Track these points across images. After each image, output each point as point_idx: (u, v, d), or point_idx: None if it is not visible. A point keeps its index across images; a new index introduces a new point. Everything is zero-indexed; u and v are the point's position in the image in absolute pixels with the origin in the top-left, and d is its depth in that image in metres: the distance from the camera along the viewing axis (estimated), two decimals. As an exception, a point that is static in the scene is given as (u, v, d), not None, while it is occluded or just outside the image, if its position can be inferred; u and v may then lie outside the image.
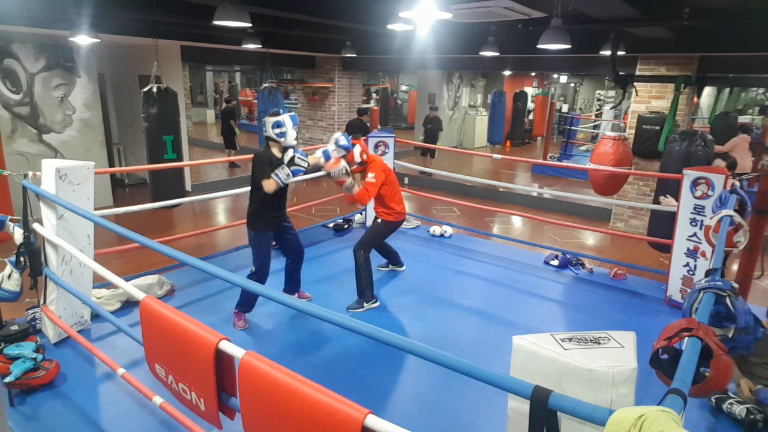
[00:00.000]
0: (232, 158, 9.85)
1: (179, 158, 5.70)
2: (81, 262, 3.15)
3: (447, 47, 7.25)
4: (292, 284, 4.20)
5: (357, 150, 4.03)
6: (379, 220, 4.26)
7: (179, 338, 1.82)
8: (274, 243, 4.07)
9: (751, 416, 2.77)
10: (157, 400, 2.44)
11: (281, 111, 3.71)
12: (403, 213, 4.30)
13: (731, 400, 2.90)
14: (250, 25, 4.38)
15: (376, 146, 6.06)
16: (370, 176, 4.03)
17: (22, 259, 3.18)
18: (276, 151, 3.71)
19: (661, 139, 5.27)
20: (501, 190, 8.68)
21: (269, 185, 3.58)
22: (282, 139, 3.65)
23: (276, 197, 3.73)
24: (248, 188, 3.90)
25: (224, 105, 11.57)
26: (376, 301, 4.25)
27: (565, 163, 11.12)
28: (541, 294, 4.68)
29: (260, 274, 3.84)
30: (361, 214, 6.48)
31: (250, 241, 3.86)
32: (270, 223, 3.83)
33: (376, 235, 4.34)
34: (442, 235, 6.17)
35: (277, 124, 3.62)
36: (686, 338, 1.38)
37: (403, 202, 4.35)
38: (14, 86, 6.50)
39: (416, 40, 7.05)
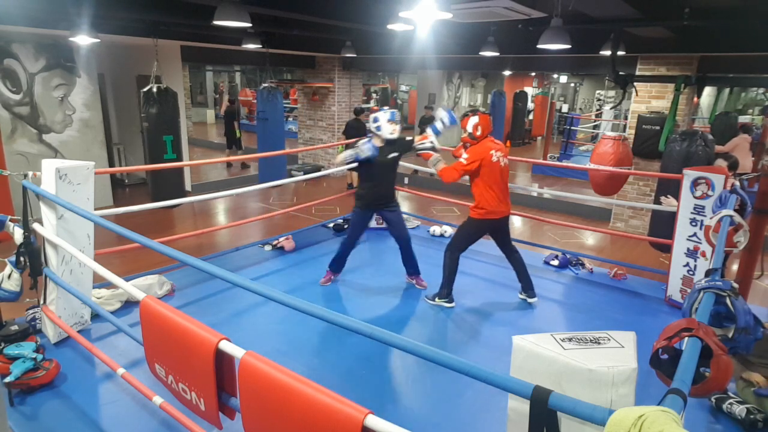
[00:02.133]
0: (241, 158, 9.90)
1: (179, 158, 5.71)
2: (81, 262, 3.15)
3: (447, 47, 7.25)
4: (409, 267, 4.62)
5: (472, 121, 3.96)
6: (467, 218, 4.16)
7: (179, 338, 1.82)
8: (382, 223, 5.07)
9: (751, 416, 2.77)
10: (157, 400, 2.44)
11: (381, 108, 4.46)
12: (494, 211, 3.99)
13: (731, 400, 2.90)
14: (250, 25, 4.39)
15: (376, 146, 6.05)
16: (463, 156, 3.96)
17: (22, 259, 3.18)
18: (377, 142, 4.26)
19: (662, 139, 5.28)
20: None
21: (336, 159, 4.30)
22: (379, 132, 4.24)
23: (374, 183, 4.34)
24: (247, 188, 4.93)
25: (227, 105, 11.48)
26: (449, 302, 4.22)
27: (565, 163, 11.12)
28: (541, 294, 4.67)
29: (348, 242, 4.51)
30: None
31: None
32: (364, 202, 4.38)
33: (459, 233, 4.25)
34: (442, 235, 6.17)
35: (374, 119, 4.28)
36: (686, 338, 1.38)
37: (498, 200, 3.98)
38: (14, 86, 6.50)
39: (416, 40, 7.05)
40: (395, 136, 4.26)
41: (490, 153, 3.92)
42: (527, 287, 4.38)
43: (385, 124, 4.22)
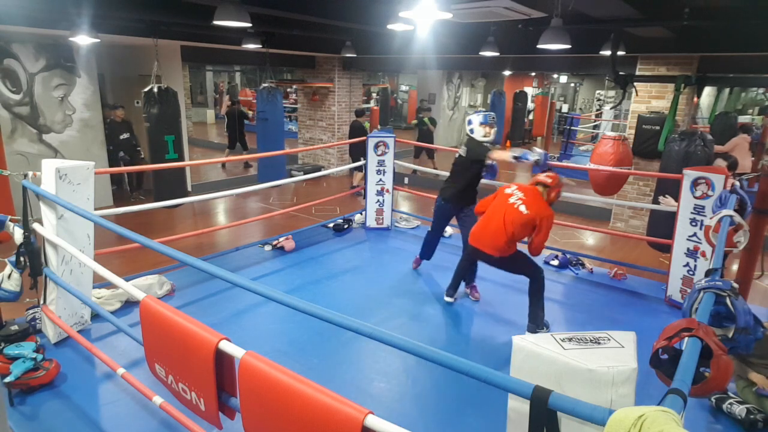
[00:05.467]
0: (243, 157, 9.97)
1: (180, 158, 5.70)
2: (81, 262, 3.15)
3: (447, 47, 7.25)
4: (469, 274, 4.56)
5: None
6: None
7: (179, 338, 1.82)
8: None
9: (751, 416, 2.78)
10: (157, 400, 2.44)
11: (476, 111, 4.51)
12: (473, 237, 3.83)
13: (731, 400, 2.90)
14: (250, 25, 4.38)
15: (376, 146, 6.06)
16: None
17: (22, 259, 3.18)
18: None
19: (661, 139, 5.28)
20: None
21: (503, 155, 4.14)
22: (473, 135, 4.28)
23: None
24: (247, 188, 5.08)
25: (228, 106, 11.43)
26: (448, 296, 4.35)
27: (565, 163, 11.11)
28: (541, 294, 4.68)
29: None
30: (361, 214, 6.47)
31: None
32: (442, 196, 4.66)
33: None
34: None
35: (468, 122, 4.31)
36: (686, 338, 1.38)
37: (482, 228, 3.80)
38: (14, 86, 6.50)
39: (416, 40, 7.04)
40: (489, 139, 4.23)
41: (509, 191, 3.79)
42: (533, 318, 3.83)
43: (477, 128, 4.23)
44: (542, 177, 3.75)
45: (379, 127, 15.11)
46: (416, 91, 16.08)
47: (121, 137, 7.79)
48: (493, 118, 4.31)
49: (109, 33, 5.73)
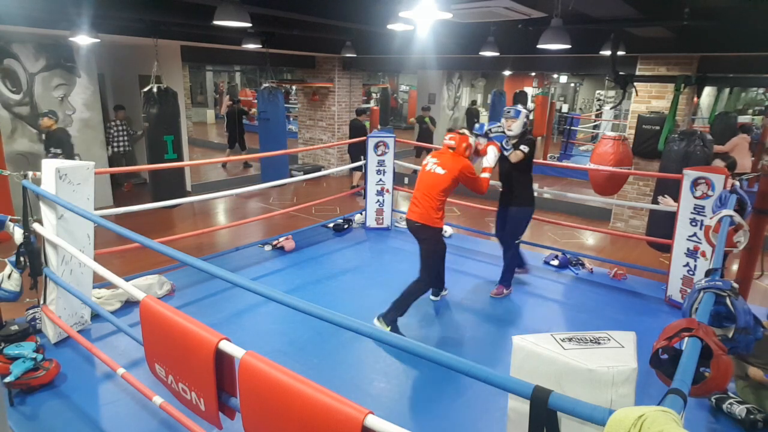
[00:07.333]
0: (242, 157, 9.98)
1: (179, 158, 5.70)
2: (81, 262, 3.15)
3: (447, 47, 7.25)
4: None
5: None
6: None
7: (179, 338, 1.82)
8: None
9: (751, 416, 2.78)
10: (157, 400, 2.44)
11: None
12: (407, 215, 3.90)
13: (731, 400, 2.90)
14: (250, 25, 4.39)
15: (376, 146, 6.06)
16: None
17: (22, 259, 3.18)
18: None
19: (661, 139, 5.28)
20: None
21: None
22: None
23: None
24: (247, 188, 5.06)
25: (229, 105, 11.45)
26: (432, 293, 4.33)
27: (565, 163, 11.12)
28: (541, 294, 4.68)
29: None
30: (361, 214, 6.47)
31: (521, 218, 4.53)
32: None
33: None
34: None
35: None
36: (686, 338, 1.38)
37: (412, 202, 3.85)
38: (14, 86, 6.50)
39: (416, 40, 7.05)
40: (510, 132, 4.36)
41: (425, 161, 3.91)
42: (389, 311, 3.71)
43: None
44: (447, 140, 3.86)
45: (379, 127, 15.11)
46: (416, 91, 16.07)
47: (50, 153, 5.93)
48: (507, 112, 4.40)
49: (109, 33, 5.73)
